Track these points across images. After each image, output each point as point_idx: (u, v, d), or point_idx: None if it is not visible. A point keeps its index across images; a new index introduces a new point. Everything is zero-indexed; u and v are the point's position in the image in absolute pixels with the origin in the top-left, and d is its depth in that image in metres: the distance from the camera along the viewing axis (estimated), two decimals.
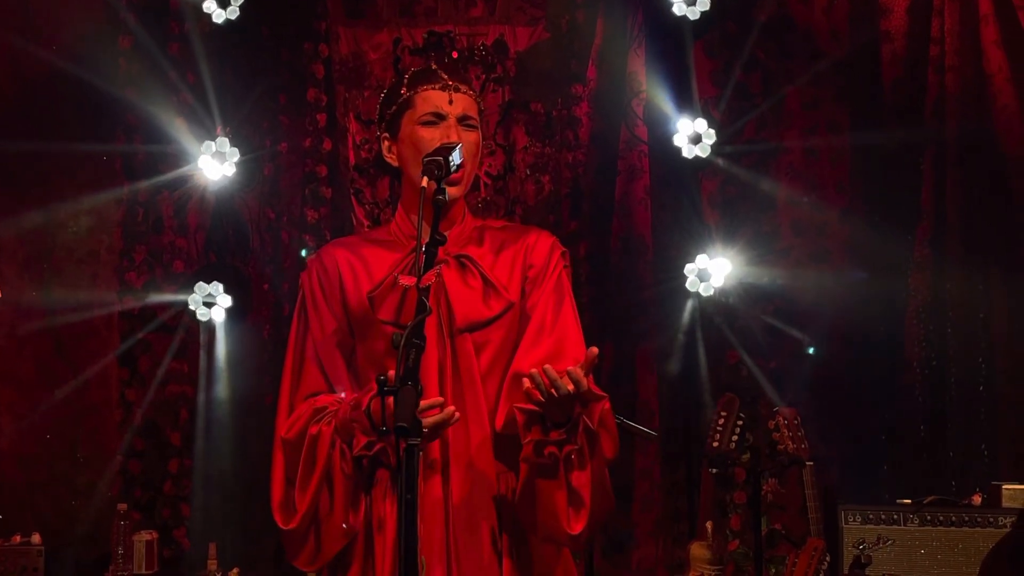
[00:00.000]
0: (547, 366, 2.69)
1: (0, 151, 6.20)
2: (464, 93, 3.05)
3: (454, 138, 2.96)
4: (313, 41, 6.43)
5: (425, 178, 2.72)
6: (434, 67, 3.09)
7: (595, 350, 2.74)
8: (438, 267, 2.95)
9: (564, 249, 3.11)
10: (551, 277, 3.03)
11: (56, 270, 6.42)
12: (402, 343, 2.50)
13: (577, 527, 2.79)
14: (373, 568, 2.91)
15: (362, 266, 3.02)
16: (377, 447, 2.83)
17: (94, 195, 6.39)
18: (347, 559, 2.95)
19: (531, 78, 6.48)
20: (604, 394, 2.82)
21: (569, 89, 6.46)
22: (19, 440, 6.36)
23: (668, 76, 6.41)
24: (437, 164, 2.74)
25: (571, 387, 2.68)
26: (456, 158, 2.80)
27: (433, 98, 3.02)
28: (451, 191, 2.87)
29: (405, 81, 3.08)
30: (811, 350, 6.27)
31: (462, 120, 3.02)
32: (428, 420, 2.69)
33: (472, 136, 3.03)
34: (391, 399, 2.50)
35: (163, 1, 6.36)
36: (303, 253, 6.31)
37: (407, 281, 2.90)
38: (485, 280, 2.97)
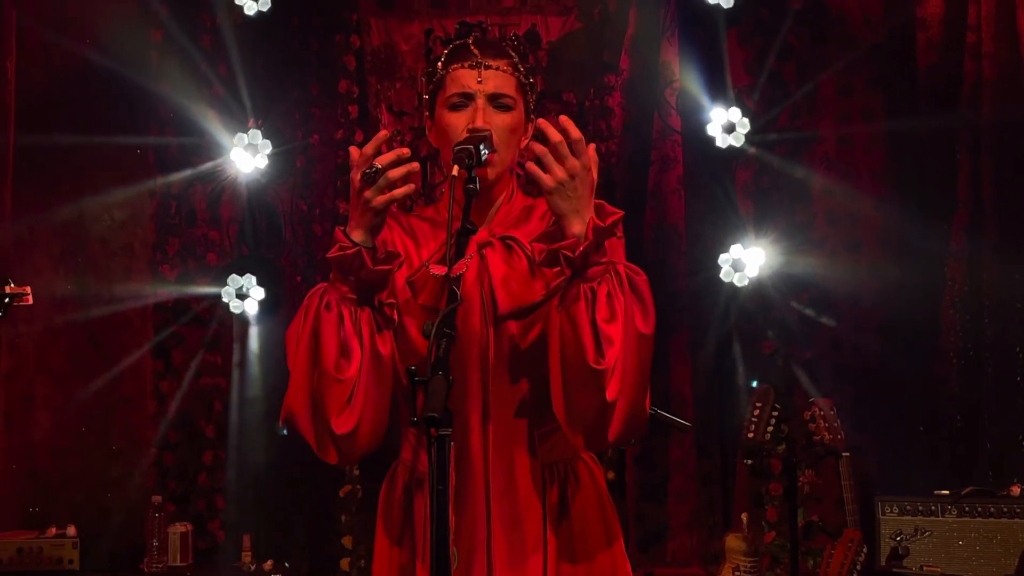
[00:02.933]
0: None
1: (34, 145, 6.23)
2: (496, 70, 2.87)
3: (479, 123, 2.82)
4: (345, 32, 6.42)
5: (456, 166, 2.65)
6: (469, 42, 2.92)
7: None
8: (482, 249, 2.85)
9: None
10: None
11: (91, 263, 6.45)
12: (433, 332, 2.44)
13: (604, 362, 2.60)
14: (413, 558, 2.85)
15: (412, 242, 2.92)
16: (351, 251, 2.67)
17: (128, 188, 6.41)
18: (397, 538, 2.89)
19: (563, 68, 6.46)
20: (619, 210, 2.70)
21: (602, 79, 6.43)
22: (54, 432, 6.40)
23: (701, 65, 6.37)
24: (467, 152, 2.66)
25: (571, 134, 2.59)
26: (486, 150, 2.73)
27: (461, 78, 2.86)
28: (487, 171, 2.80)
29: (442, 58, 2.94)
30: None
31: (493, 99, 2.86)
32: (382, 159, 2.62)
33: (504, 119, 2.87)
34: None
35: None
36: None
37: (438, 270, 2.82)
38: (531, 262, 2.82)
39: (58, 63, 6.39)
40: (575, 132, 2.61)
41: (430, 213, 3.02)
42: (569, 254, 2.62)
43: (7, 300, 4.55)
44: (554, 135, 2.60)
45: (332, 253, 2.70)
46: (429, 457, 2.40)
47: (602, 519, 2.92)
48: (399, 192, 2.65)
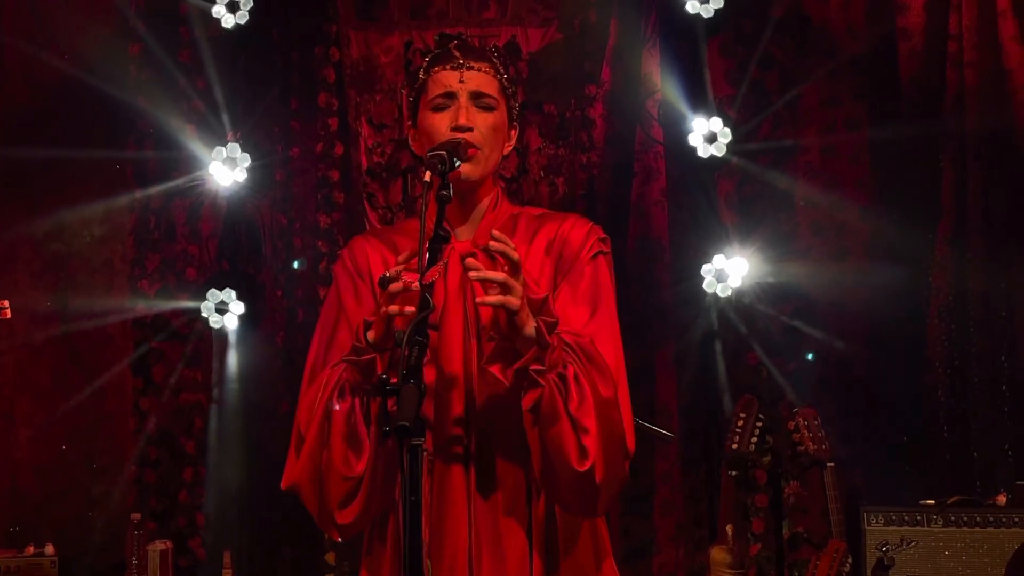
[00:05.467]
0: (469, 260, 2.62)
1: (13, 159, 6.20)
2: (478, 71, 2.88)
3: (462, 120, 2.83)
4: (324, 45, 6.39)
5: (428, 172, 2.63)
6: (451, 47, 2.93)
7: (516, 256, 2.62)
8: (465, 260, 2.82)
9: (604, 236, 2.91)
10: (584, 260, 2.85)
11: (71, 279, 6.41)
12: (404, 340, 2.42)
13: (587, 461, 2.63)
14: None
15: (393, 256, 2.88)
16: (366, 357, 2.67)
17: (107, 203, 6.37)
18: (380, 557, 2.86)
19: (544, 79, 6.43)
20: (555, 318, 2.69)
21: (583, 90, 6.40)
22: (35, 450, 6.35)
23: (683, 75, 6.36)
24: (440, 159, 2.64)
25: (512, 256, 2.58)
26: (457, 160, 2.72)
27: (444, 79, 2.87)
28: (465, 169, 2.78)
29: (423, 65, 2.95)
30: (810, 356, 6.21)
31: (475, 98, 2.87)
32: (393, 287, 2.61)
33: (487, 118, 2.87)
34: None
35: (173, 7, 6.33)
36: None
37: (410, 278, 2.78)
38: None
39: (37, 77, 6.36)
40: (515, 254, 2.61)
41: (411, 225, 3.00)
42: (540, 367, 2.62)
43: None
44: (514, 254, 2.59)
45: (347, 357, 2.71)
46: (401, 467, 2.38)
47: (591, 534, 2.88)
48: (383, 310, 2.64)
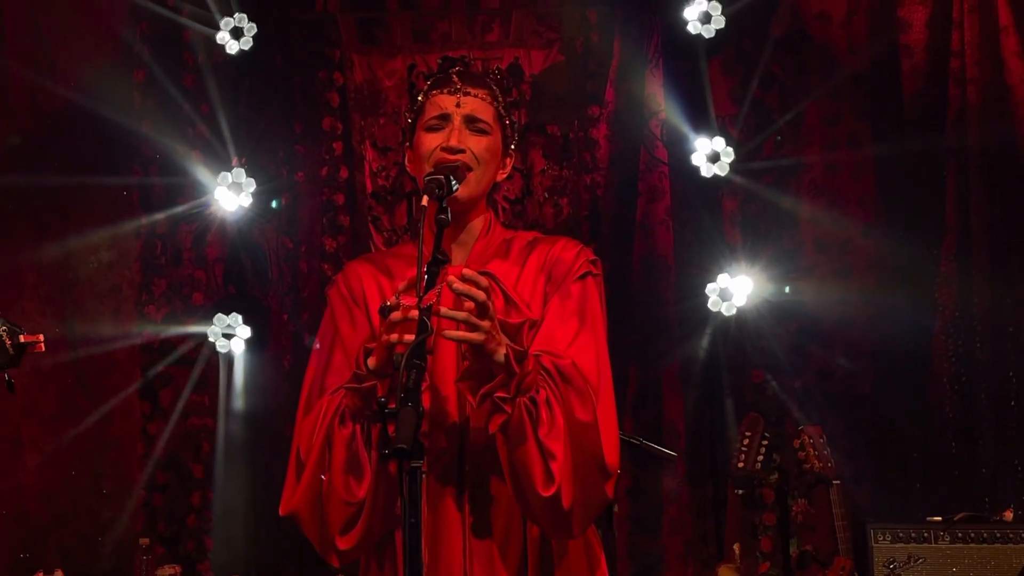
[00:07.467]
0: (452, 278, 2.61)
1: (19, 186, 6.21)
2: (475, 97, 2.93)
3: (453, 142, 2.86)
4: (327, 69, 6.44)
5: (426, 196, 2.66)
6: (452, 73, 2.97)
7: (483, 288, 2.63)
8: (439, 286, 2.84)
9: (595, 258, 2.95)
10: (572, 280, 2.88)
11: (78, 305, 6.42)
12: (403, 363, 2.44)
13: (552, 486, 2.64)
14: None
15: (388, 280, 2.93)
16: (367, 384, 2.70)
17: (113, 229, 6.40)
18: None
19: (547, 101, 6.46)
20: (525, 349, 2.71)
21: (586, 111, 6.43)
22: (43, 476, 6.35)
23: (685, 95, 6.39)
24: (438, 183, 2.68)
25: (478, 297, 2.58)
26: (456, 183, 2.74)
27: (440, 102, 2.91)
28: (459, 192, 2.80)
29: (424, 88, 2.99)
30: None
31: (469, 122, 2.90)
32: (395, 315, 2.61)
33: (479, 141, 2.90)
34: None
35: (176, 33, 6.39)
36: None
37: (407, 301, 2.80)
38: (506, 298, 2.83)
39: (43, 105, 6.38)
40: (481, 295, 2.61)
41: (410, 250, 3.03)
42: (504, 395, 2.64)
43: (23, 348, 4.57)
44: (479, 294, 2.60)
45: (348, 384, 2.74)
46: (401, 490, 2.40)
47: (584, 547, 2.90)
48: (384, 338, 2.65)
